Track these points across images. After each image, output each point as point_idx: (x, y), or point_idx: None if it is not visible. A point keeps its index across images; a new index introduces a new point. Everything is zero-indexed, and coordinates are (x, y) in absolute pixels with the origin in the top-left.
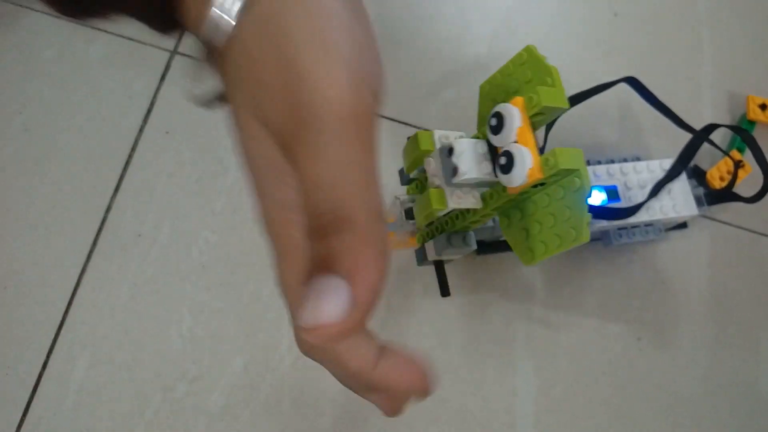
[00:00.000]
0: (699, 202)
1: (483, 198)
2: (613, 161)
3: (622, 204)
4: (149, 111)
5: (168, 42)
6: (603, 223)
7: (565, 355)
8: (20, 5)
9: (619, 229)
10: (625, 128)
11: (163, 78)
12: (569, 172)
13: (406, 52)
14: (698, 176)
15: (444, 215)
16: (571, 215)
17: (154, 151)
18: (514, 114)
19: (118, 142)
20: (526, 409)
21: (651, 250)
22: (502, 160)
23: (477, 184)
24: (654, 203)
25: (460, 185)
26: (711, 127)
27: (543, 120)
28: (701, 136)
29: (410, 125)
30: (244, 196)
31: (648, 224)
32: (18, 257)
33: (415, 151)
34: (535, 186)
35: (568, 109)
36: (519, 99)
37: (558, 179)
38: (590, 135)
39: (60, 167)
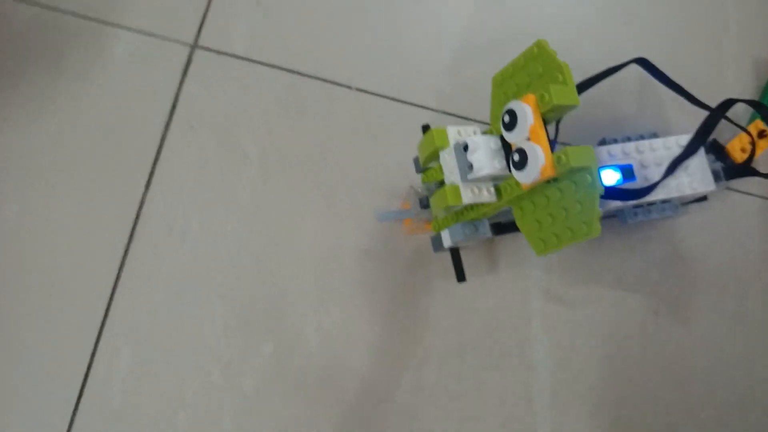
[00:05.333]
0: (717, 177)
1: (497, 191)
2: (629, 139)
3: (637, 183)
4: (174, 106)
5: (188, 35)
6: (618, 202)
7: (582, 331)
8: (44, 6)
9: (635, 207)
10: (643, 102)
11: (185, 72)
12: (581, 169)
13: (415, 34)
14: (717, 150)
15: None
16: (583, 210)
17: (181, 146)
18: (527, 112)
19: (146, 138)
20: (542, 383)
21: (669, 223)
22: (516, 157)
23: (491, 179)
24: (670, 180)
25: (474, 180)
26: (728, 103)
27: (554, 116)
28: (718, 112)
29: (424, 108)
30: (267, 186)
31: (664, 201)
32: (60, 257)
33: (430, 147)
34: (547, 181)
35: (578, 106)
36: (531, 97)
37: (570, 175)
38: (608, 110)
39: (93, 168)
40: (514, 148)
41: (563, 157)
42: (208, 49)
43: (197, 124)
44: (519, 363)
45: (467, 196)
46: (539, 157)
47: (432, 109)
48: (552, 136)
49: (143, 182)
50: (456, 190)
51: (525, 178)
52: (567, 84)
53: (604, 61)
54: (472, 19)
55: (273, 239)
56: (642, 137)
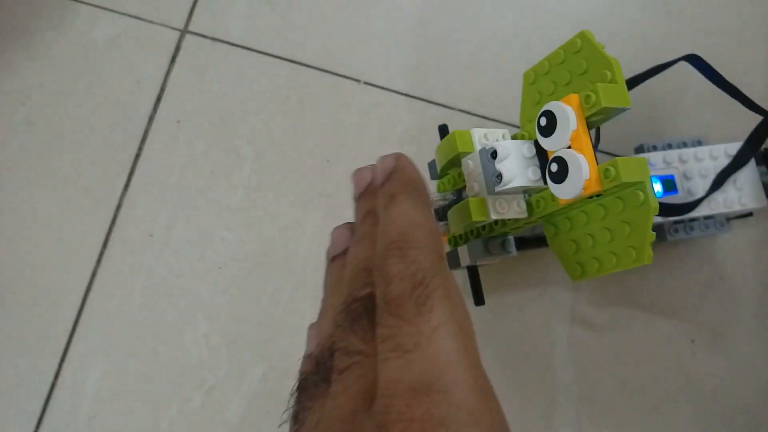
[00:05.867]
0: None
1: (528, 204)
2: (670, 146)
3: (679, 196)
4: (159, 98)
5: (178, 20)
6: (657, 218)
7: (610, 360)
8: None
9: (675, 223)
10: (685, 105)
11: (173, 60)
12: (631, 184)
13: (434, 25)
14: None
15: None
16: (632, 233)
17: (166, 143)
18: (569, 115)
19: (127, 133)
20: (565, 418)
21: (709, 241)
22: (554, 167)
23: (522, 191)
24: (717, 195)
25: (503, 193)
26: None
27: (600, 120)
28: None
29: (440, 105)
30: (262, 190)
31: (708, 217)
32: (26, 261)
33: (451, 152)
34: (589, 195)
35: (629, 109)
36: (574, 97)
37: (617, 190)
38: (645, 113)
39: (66, 163)
40: (551, 157)
41: (612, 169)
42: (199, 34)
43: (185, 118)
44: (540, 393)
45: (494, 211)
46: (583, 169)
47: (448, 107)
48: (594, 143)
49: (122, 181)
50: (481, 203)
51: (564, 192)
52: (617, 83)
53: (642, 59)
54: (496, 12)
55: (266, 249)
56: (684, 144)
